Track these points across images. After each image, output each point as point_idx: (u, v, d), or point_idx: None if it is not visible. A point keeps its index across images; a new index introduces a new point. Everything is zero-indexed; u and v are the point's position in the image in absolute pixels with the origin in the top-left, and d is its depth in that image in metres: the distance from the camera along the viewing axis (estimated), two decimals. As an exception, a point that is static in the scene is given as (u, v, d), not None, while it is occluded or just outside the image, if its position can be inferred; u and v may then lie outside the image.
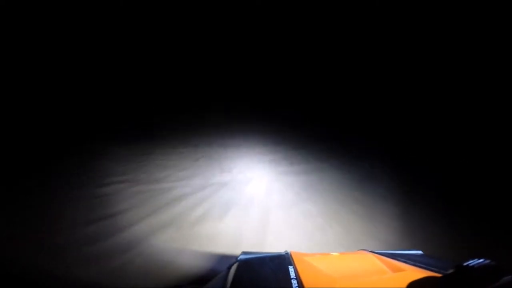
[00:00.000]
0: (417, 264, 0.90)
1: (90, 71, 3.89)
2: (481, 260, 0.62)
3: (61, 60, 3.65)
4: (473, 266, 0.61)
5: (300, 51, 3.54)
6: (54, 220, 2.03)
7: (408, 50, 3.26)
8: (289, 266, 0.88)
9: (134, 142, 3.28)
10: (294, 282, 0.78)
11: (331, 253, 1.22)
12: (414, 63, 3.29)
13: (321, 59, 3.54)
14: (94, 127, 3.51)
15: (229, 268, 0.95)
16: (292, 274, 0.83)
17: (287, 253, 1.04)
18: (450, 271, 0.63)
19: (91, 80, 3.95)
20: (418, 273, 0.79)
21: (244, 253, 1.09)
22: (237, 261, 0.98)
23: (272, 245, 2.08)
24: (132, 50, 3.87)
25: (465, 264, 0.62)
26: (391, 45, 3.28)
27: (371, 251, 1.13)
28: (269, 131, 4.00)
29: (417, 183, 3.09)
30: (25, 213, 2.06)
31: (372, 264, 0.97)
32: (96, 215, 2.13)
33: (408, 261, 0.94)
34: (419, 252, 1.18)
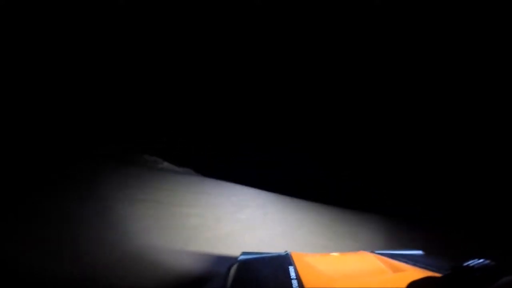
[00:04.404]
0: (417, 264, 0.90)
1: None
2: (480, 260, 0.62)
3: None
4: (472, 266, 0.61)
5: (300, 51, 3.54)
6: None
7: (408, 52, 3.25)
8: (289, 266, 0.88)
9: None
10: (294, 282, 0.77)
11: (331, 254, 1.22)
12: (414, 66, 3.28)
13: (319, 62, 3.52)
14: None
15: (230, 268, 0.95)
16: (292, 274, 0.82)
17: (287, 253, 1.03)
18: (450, 271, 0.63)
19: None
20: (418, 273, 0.79)
21: (244, 253, 1.09)
22: (237, 261, 0.98)
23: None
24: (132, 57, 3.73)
25: (465, 264, 0.62)
26: (390, 48, 3.28)
27: (371, 252, 1.13)
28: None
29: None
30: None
31: (372, 264, 0.97)
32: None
33: (408, 261, 0.94)
34: (419, 252, 1.18)
